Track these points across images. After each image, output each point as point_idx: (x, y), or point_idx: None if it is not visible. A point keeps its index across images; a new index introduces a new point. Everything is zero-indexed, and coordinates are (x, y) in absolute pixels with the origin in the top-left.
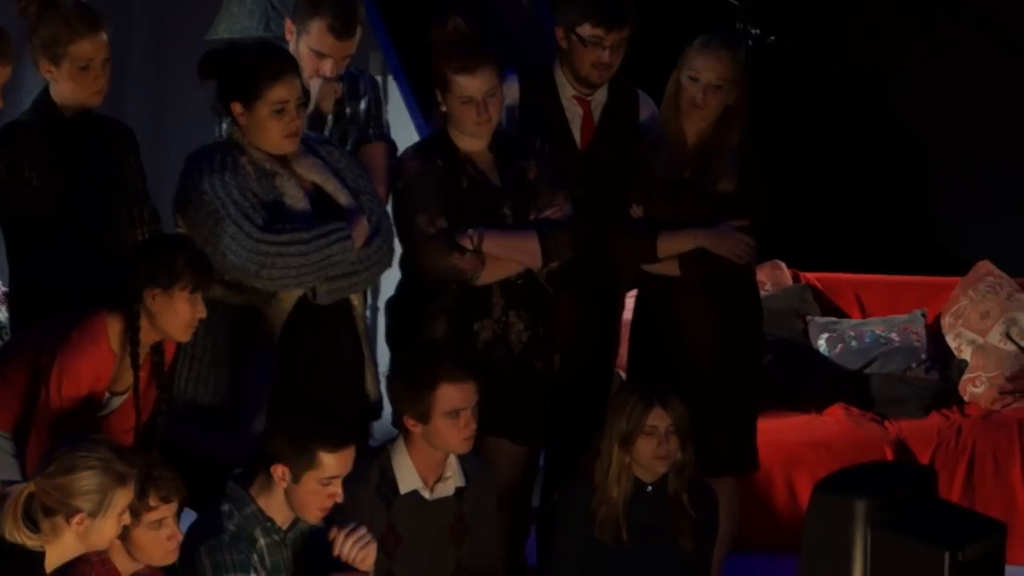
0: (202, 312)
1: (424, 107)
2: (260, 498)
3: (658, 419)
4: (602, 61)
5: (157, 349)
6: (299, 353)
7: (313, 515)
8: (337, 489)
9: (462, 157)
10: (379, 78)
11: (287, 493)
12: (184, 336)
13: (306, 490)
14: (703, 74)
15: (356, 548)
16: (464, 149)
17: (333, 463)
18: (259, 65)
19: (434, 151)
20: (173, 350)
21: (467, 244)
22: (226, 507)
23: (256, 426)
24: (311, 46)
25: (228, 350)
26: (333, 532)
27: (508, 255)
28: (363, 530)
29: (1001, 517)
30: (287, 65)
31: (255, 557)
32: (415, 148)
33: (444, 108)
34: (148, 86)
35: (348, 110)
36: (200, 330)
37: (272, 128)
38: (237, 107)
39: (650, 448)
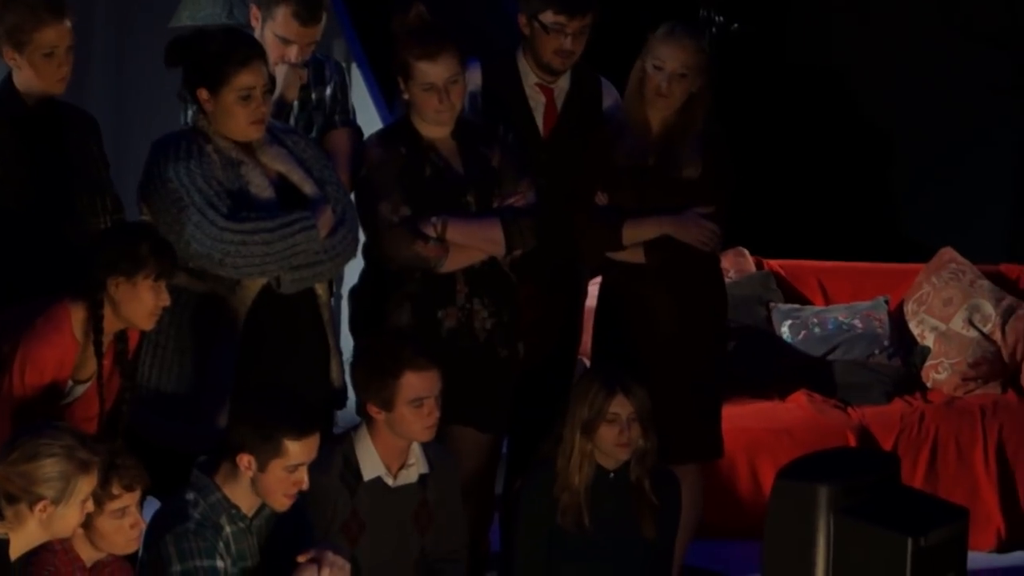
0: (166, 300)
1: (387, 95)
2: (225, 486)
3: (620, 406)
4: (564, 48)
5: (121, 337)
6: (263, 341)
7: (280, 502)
8: (303, 476)
9: (425, 145)
10: (343, 65)
11: (253, 481)
12: (147, 324)
13: (272, 478)
14: (667, 62)
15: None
16: (427, 137)
17: (298, 450)
18: (226, 51)
19: (397, 139)
20: (137, 338)
21: (430, 232)
22: (191, 495)
23: (220, 414)
24: (276, 32)
25: (192, 338)
26: (302, 558)
27: (472, 243)
28: (332, 557)
29: (963, 503)
30: (254, 51)
31: (220, 545)
32: (378, 136)
33: (406, 96)
34: (111, 74)
35: (314, 96)
36: (164, 318)
37: (238, 114)
38: (203, 93)
39: (612, 435)
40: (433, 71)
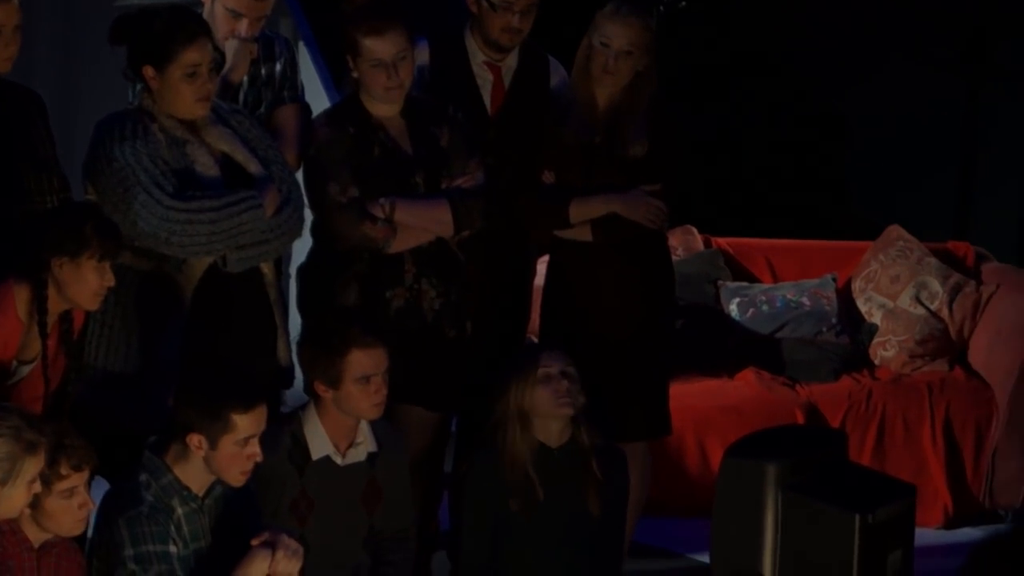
0: (110, 280)
1: (335, 74)
2: (176, 467)
3: (549, 363)
4: (512, 26)
5: (65, 317)
6: (210, 320)
7: (235, 478)
8: (255, 449)
9: (374, 124)
10: (291, 43)
11: (206, 460)
12: (92, 305)
13: (225, 454)
14: (614, 40)
15: (286, 561)
16: (376, 116)
17: (247, 423)
18: (172, 29)
19: (346, 118)
20: (82, 318)
21: (379, 213)
22: (143, 477)
23: (168, 393)
24: (227, 6)
25: (138, 317)
26: (255, 542)
27: (420, 224)
28: (286, 541)
29: (911, 480)
30: (200, 28)
31: (173, 528)
32: (326, 115)
33: (355, 73)
34: (58, 52)
35: (264, 72)
36: (110, 297)
37: (184, 92)
38: (149, 71)
39: (548, 394)
40: (381, 47)
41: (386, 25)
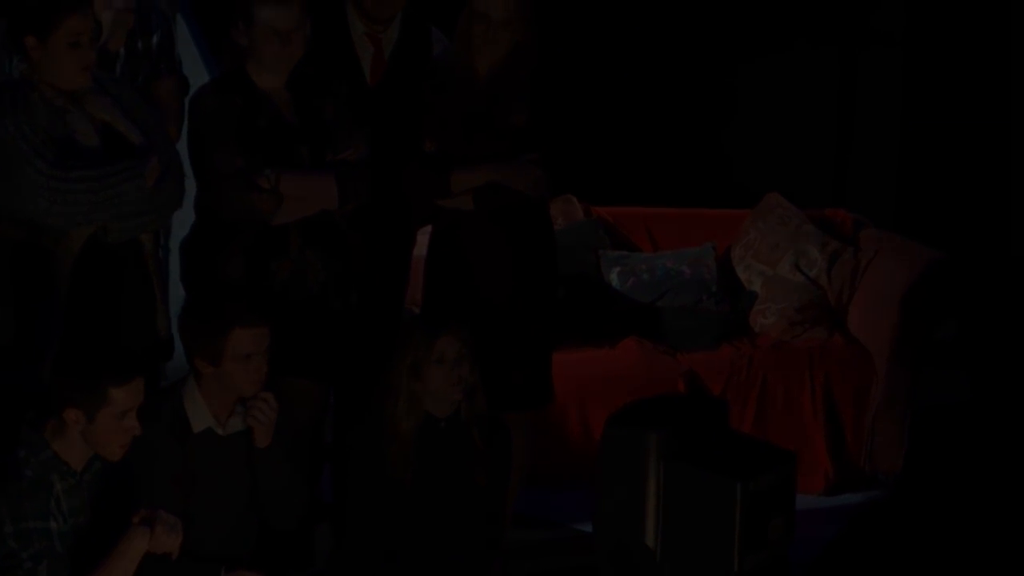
0: None
1: (213, 46)
2: (55, 442)
3: (447, 345)
4: None
5: None
6: (88, 293)
7: (113, 452)
8: (134, 422)
9: (260, 95)
10: (169, 15)
11: (84, 434)
12: None
13: (103, 428)
14: (492, 11)
15: (165, 536)
16: (262, 87)
17: (123, 396)
18: None
19: (231, 88)
20: None
21: (264, 184)
22: (21, 453)
23: (46, 365)
24: None
25: (15, 289)
26: (136, 519)
27: (305, 196)
28: (164, 516)
29: (792, 447)
30: None
31: (52, 504)
32: (212, 85)
33: (245, 41)
34: None
35: (140, 44)
36: None
37: (68, 61)
38: (31, 41)
39: (441, 376)
40: (279, 17)
41: None
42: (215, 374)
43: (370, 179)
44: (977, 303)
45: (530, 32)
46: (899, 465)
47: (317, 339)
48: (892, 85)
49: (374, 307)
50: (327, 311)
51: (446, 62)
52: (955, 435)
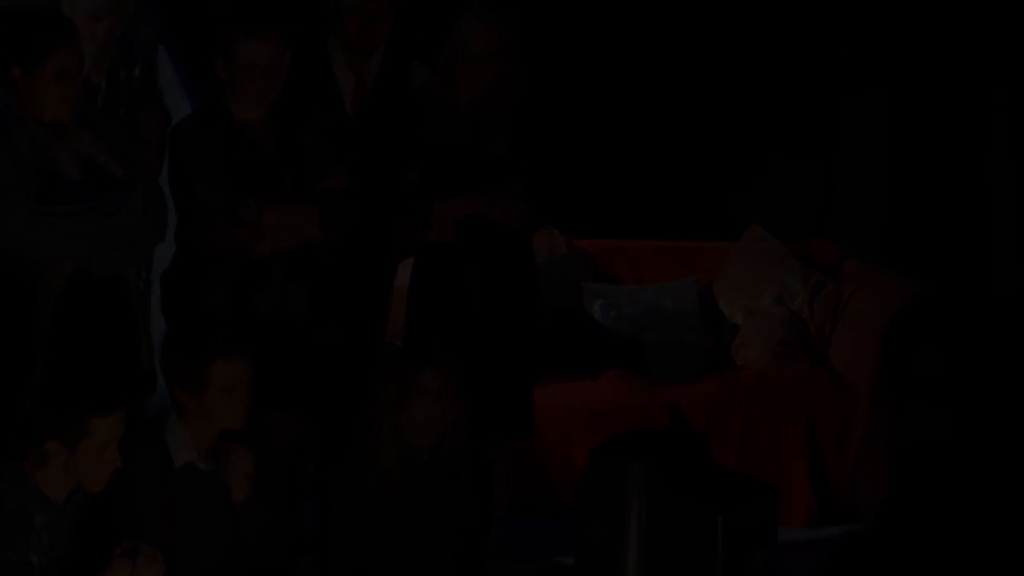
0: None
1: (195, 77)
2: (36, 475)
3: (431, 379)
4: (365, 28)
5: None
6: (71, 323)
7: (95, 484)
8: (115, 453)
9: (240, 126)
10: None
11: (66, 466)
12: None
13: (84, 460)
14: (474, 44)
15: (147, 569)
16: (243, 119)
17: (105, 428)
18: (41, 30)
19: (212, 120)
20: None
21: (246, 216)
22: (3, 485)
23: (28, 397)
24: (86, 7)
25: None
26: (117, 551)
27: (288, 226)
28: (145, 549)
29: (775, 479)
30: (70, 30)
31: (33, 536)
32: (193, 117)
33: (224, 75)
34: None
35: (122, 75)
36: None
37: (52, 93)
38: (16, 72)
39: (424, 408)
40: (259, 52)
41: (267, 29)
42: (197, 406)
43: (351, 209)
44: (957, 336)
45: (513, 65)
46: (881, 498)
47: (299, 370)
48: (875, 120)
49: (354, 338)
50: (309, 342)
51: (428, 93)
52: (936, 468)
